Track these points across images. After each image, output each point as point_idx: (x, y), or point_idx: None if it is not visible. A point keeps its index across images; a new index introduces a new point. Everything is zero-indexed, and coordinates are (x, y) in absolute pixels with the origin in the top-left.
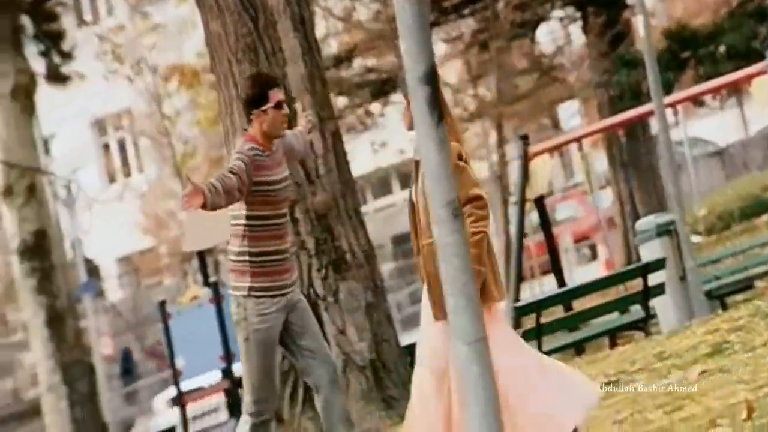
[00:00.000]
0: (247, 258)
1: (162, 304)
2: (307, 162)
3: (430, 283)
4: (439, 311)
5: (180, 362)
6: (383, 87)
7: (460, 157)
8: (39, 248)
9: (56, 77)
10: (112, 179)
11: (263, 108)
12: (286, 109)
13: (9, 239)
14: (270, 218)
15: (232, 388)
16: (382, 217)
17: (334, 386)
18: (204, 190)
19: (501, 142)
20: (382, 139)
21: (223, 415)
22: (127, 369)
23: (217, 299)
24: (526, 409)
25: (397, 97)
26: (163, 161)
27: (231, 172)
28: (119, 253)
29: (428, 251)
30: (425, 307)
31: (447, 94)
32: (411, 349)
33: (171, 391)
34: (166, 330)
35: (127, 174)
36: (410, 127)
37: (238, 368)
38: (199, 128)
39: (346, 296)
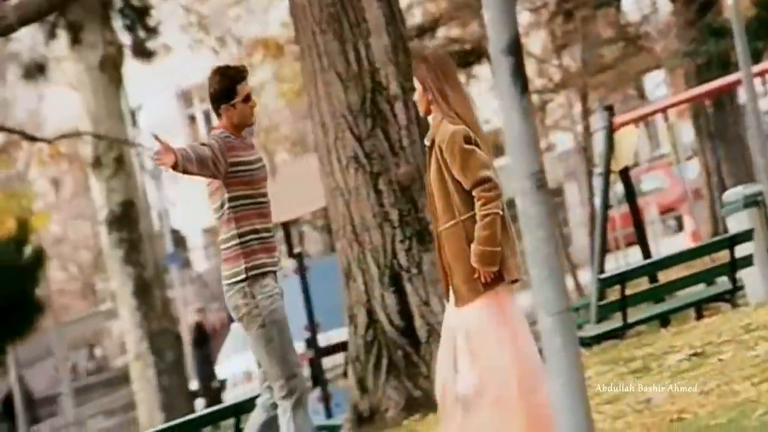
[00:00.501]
0: (237, 240)
1: None
2: (391, 133)
3: (445, 269)
4: (459, 298)
5: None
6: (467, 57)
7: (467, 141)
8: (127, 219)
9: (142, 52)
10: None
11: (232, 102)
12: (254, 101)
13: (97, 210)
14: (253, 197)
15: (316, 358)
16: None
17: (302, 404)
18: (174, 150)
19: (586, 112)
20: None
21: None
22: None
23: (302, 270)
24: (534, 400)
25: (480, 69)
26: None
27: (203, 144)
28: (205, 224)
29: (445, 236)
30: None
31: (531, 65)
32: None
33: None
34: None
35: None
36: (426, 113)
37: (322, 338)
38: (283, 100)
39: (430, 267)
